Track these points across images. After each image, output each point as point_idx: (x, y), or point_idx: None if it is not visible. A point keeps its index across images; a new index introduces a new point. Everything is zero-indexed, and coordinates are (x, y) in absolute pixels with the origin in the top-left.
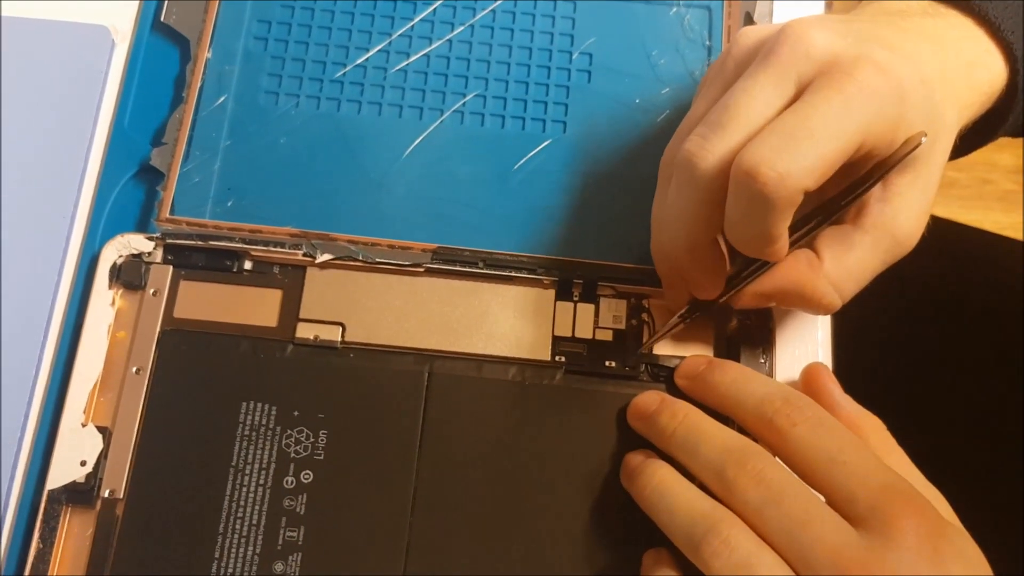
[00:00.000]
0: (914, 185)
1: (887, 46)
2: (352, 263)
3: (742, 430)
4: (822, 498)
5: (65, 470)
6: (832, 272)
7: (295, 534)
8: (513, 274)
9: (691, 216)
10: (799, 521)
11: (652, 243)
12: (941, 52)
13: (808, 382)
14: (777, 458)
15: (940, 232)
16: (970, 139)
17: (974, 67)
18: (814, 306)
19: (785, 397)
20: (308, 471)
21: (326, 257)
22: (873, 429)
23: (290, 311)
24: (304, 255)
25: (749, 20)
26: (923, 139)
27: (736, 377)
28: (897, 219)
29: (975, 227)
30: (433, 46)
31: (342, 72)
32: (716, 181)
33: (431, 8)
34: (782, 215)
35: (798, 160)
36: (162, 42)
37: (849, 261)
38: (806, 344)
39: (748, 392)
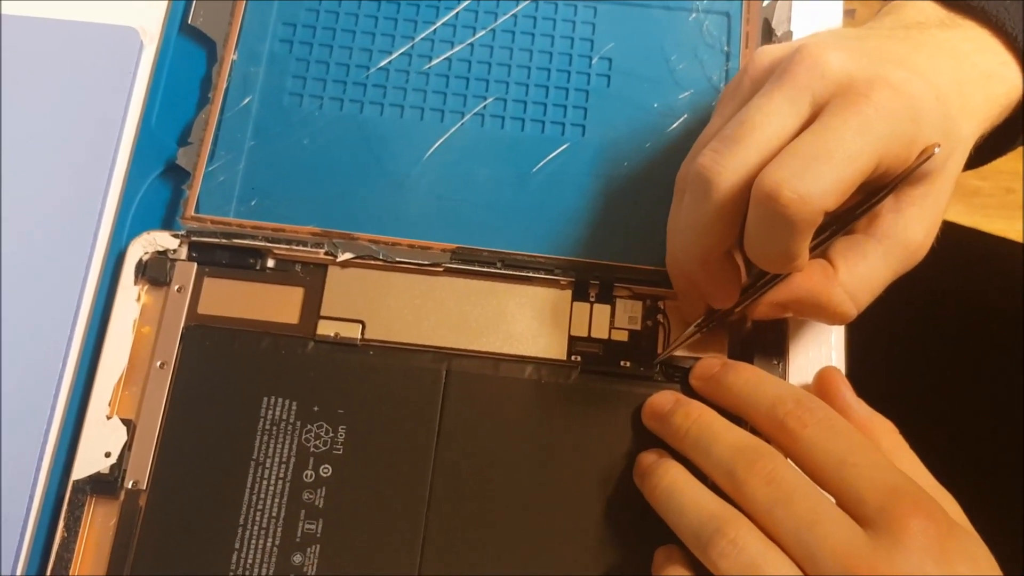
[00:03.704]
0: (926, 197)
1: (902, 65)
2: (373, 262)
3: (755, 431)
4: (832, 499)
5: (90, 461)
6: (847, 281)
7: (313, 527)
8: (531, 274)
9: (704, 229)
10: (808, 521)
11: (667, 255)
12: (958, 66)
13: (821, 385)
14: (788, 459)
15: (956, 238)
16: (988, 149)
17: (991, 79)
18: (829, 315)
19: (797, 399)
20: (327, 465)
21: (347, 256)
22: (884, 432)
23: (311, 309)
24: (326, 254)
25: (767, 26)
26: (936, 149)
27: (749, 378)
28: (908, 229)
29: (998, 235)
30: (455, 50)
31: (365, 75)
32: (729, 195)
33: (453, 12)
34: (803, 235)
35: (818, 182)
36: (189, 44)
37: (862, 270)
38: (820, 348)
39: (761, 393)
